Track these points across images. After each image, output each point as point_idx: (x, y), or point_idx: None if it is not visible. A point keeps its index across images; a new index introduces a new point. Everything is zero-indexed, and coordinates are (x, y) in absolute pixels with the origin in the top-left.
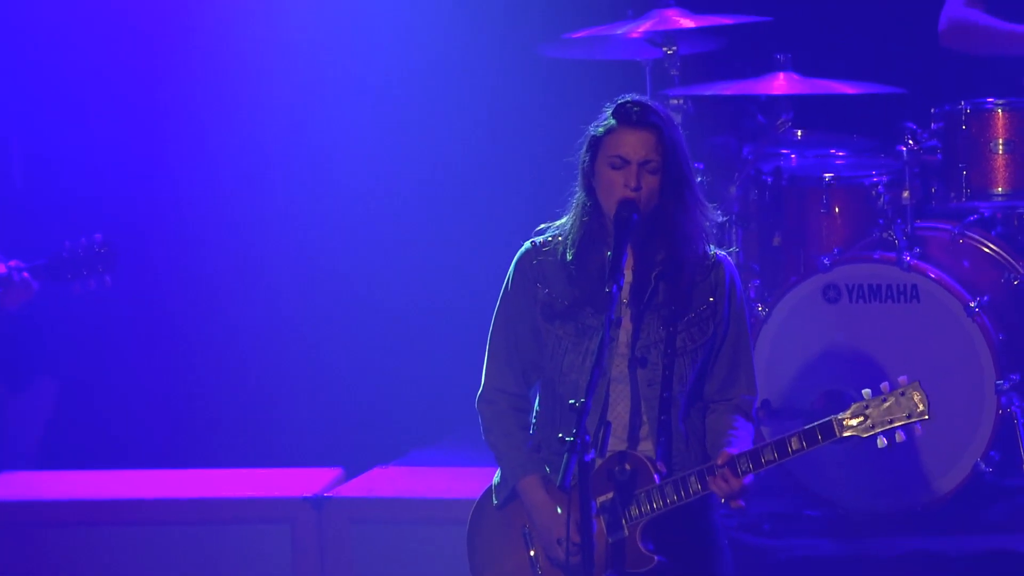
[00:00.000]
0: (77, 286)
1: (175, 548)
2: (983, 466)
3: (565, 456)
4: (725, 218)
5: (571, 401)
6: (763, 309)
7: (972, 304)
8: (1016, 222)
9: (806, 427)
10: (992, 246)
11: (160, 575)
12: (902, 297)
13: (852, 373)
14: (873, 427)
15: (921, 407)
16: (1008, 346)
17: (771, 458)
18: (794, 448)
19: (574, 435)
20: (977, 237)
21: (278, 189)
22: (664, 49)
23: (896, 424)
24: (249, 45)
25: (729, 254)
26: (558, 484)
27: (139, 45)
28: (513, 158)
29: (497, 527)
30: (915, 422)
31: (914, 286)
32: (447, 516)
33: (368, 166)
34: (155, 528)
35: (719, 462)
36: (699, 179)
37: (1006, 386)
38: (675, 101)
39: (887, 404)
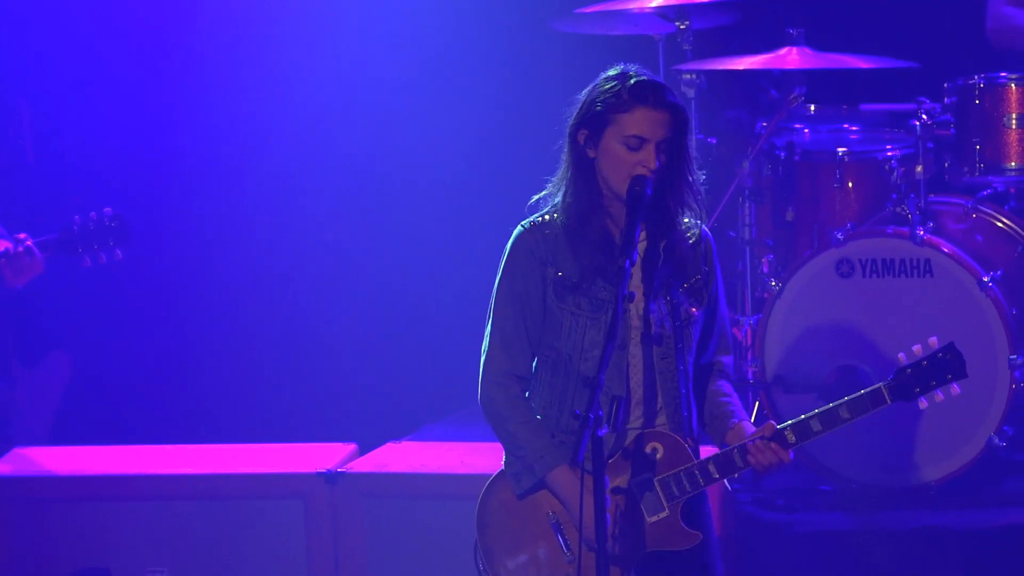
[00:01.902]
0: (88, 260)
1: (189, 523)
2: (997, 440)
3: (580, 431)
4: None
5: (587, 376)
6: (776, 284)
7: (985, 279)
8: None
9: (853, 396)
10: (1005, 220)
11: (174, 550)
12: (915, 272)
13: (865, 348)
14: (917, 392)
15: (958, 365)
16: (1022, 320)
17: (820, 429)
18: (844, 418)
19: (587, 411)
20: (990, 211)
21: (289, 166)
22: (677, 24)
23: (936, 385)
24: (259, 25)
25: (745, 228)
26: (569, 461)
27: (152, 22)
28: (525, 134)
29: (518, 516)
30: (953, 382)
31: (927, 261)
32: (460, 491)
33: (379, 143)
34: (168, 503)
35: (767, 434)
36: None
37: (1020, 360)
38: (688, 76)
39: (928, 368)
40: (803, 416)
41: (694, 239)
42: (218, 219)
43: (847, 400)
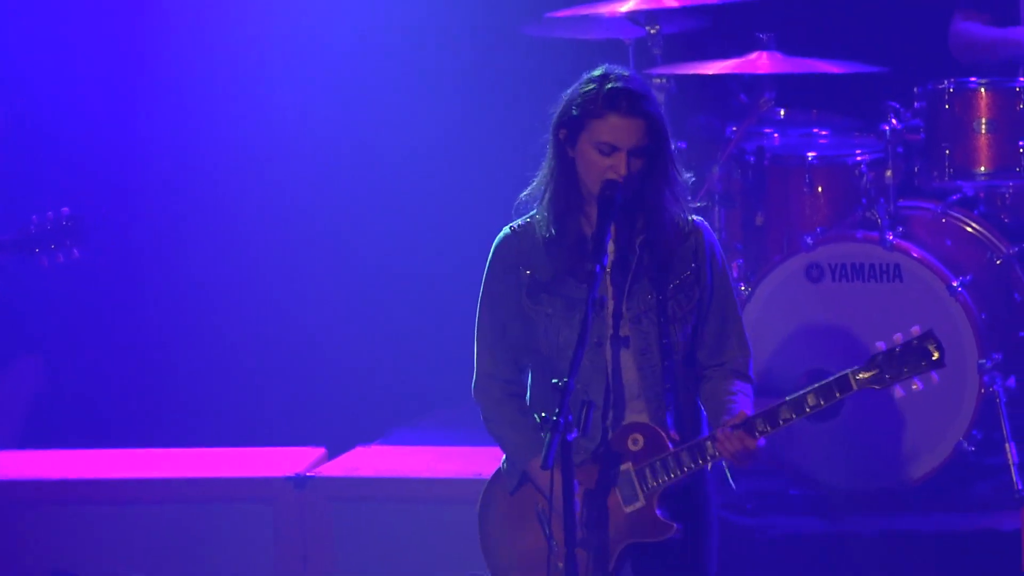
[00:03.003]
0: (46, 260)
1: (157, 527)
2: (965, 445)
3: (547, 435)
4: (702, 204)
5: (554, 381)
6: (746, 288)
7: (955, 283)
8: (999, 201)
9: (821, 383)
10: (975, 225)
11: (142, 555)
12: (885, 276)
13: (835, 352)
14: (888, 379)
15: (936, 355)
16: (990, 325)
17: (788, 416)
18: (811, 404)
19: (556, 415)
20: (960, 216)
21: (258, 165)
22: (647, 28)
23: (910, 373)
24: (232, 22)
25: (715, 232)
26: (540, 465)
27: (116, 16)
28: (495, 139)
29: (510, 512)
30: (929, 370)
31: (897, 265)
32: (429, 495)
33: (349, 146)
34: (137, 507)
35: (736, 422)
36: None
37: (988, 365)
38: (658, 80)
39: (901, 355)
40: (773, 405)
41: (685, 235)
42: (188, 224)
43: (815, 387)
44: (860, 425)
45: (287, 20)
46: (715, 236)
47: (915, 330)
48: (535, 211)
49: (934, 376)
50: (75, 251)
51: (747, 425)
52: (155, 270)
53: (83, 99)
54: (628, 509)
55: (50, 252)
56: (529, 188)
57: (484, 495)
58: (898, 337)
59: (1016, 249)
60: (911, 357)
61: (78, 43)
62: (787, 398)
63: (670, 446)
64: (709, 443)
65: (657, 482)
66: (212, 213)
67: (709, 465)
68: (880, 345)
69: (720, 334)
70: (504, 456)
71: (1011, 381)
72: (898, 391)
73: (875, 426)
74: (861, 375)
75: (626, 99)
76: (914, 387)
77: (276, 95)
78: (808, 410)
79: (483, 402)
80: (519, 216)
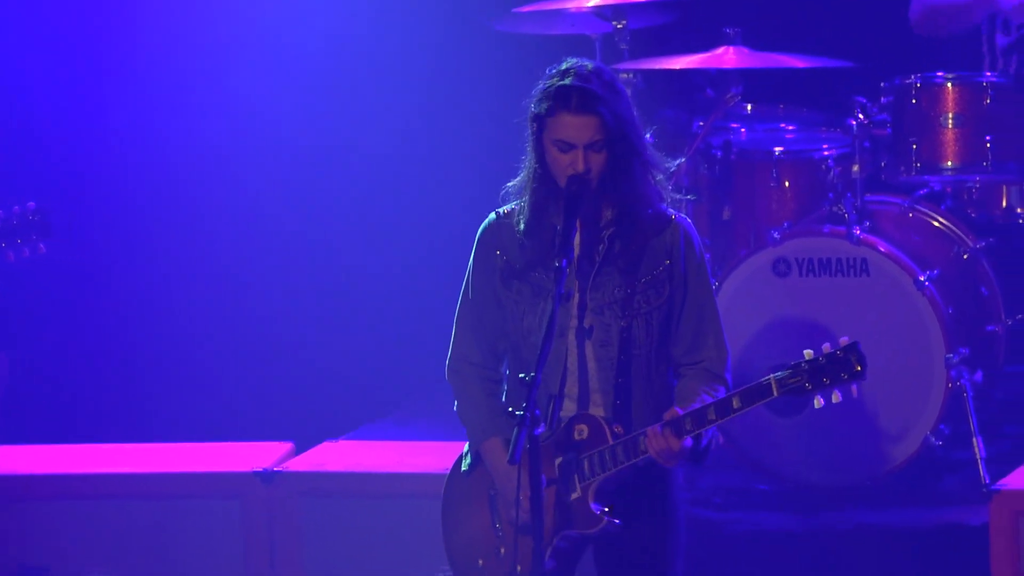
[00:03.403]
0: (11, 254)
1: (125, 523)
2: (933, 440)
3: (515, 430)
4: (684, 197)
5: (521, 375)
6: (713, 284)
7: (922, 278)
8: (966, 196)
9: (745, 387)
10: (942, 220)
11: (110, 550)
12: (852, 271)
13: (802, 347)
14: (808, 387)
15: (857, 367)
16: (957, 320)
17: (714, 418)
18: (735, 407)
19: (524, 409)
20: (927, 211)
21: (226, 159)
22: (614, 23)
23: (831, 384)
24: (198, 18)
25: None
26: (507, 459)
27: (87, 10)
28: (464, 134)
29: (465, 492)
30: (851, 383)
31: (864, 260)
32: (397, 490)
33: (317, 141)
34: (104, 503)
35: (665, 418)
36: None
37: (955, 359)
38: (625, 75)
39: (823, 364)
40: (700, 406)
41: (660, 229)
42: (154, 219)
43: (739, 391)
44: (828, 420)
45: (257, 15)
46: (695, 233)
47: (843, 340)
48: (518, 201)
49: (854, 388)
50: (41, 246)
51: (675, 424)
52: (122, 265)
53: (50, 93)
54: (569, 498)
55: (16, 247)
56: (517, 179)
57: (449, 475)
58: (826, 346)
59: (983, 243)
60: (833, 368)
61: (46, 37)
62: (714, 400)
63: (610, 440)
64: (641, 439)
65: (593, 475)
66: (179, 208)
67: (640, 459)
68: (807, 353)
69: (697, 333)
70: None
71: (978, 375)
72: (818, 400)
73: (843, 421)
74: (782, 381)
75: (576, 97)
76: (835, 399)
77: (245, 89)
78: (733, 412)
79: (454, 382)
80: (496, 208)
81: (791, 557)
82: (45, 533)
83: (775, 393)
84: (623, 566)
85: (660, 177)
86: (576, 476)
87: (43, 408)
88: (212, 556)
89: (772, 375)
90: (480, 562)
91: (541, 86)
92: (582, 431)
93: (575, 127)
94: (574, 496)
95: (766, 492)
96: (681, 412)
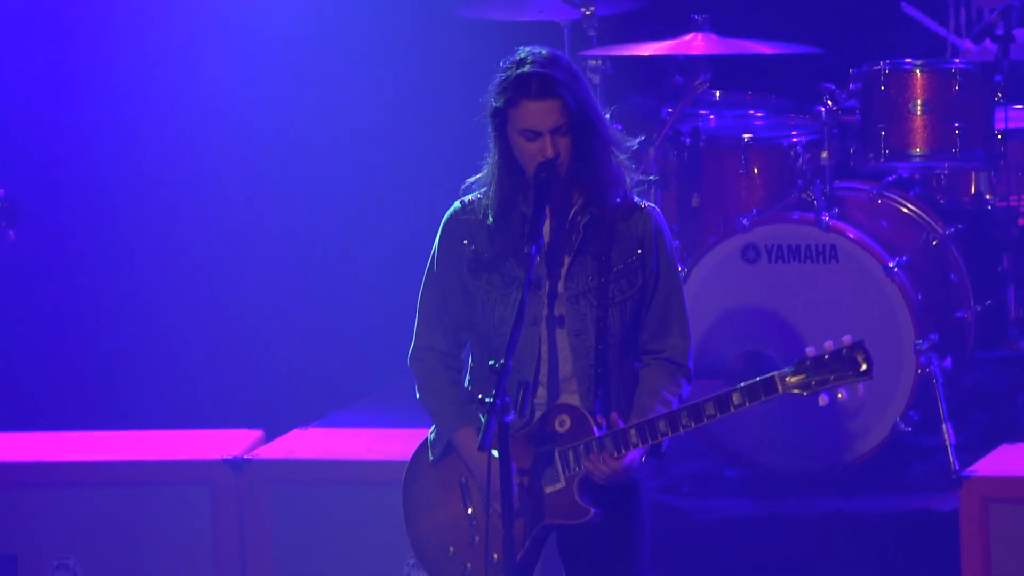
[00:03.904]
0: None
1: (95, 510)
2: (902, 426)
3: (483, 418)
4: (647, 177)
5: (491, 363)
6: (682, 270)
7: (891, 264)
8: (934, 182)
9: (748, 383)
10: (910, 206)
11: (80, 537)
12: (821, 257)
13: (771, 333)
14: (814, 385)
15: (864, 367)
16: (927, 306)
17: (712, 413)
18: (736, 403)
19: (494, 396)
20: (896, 197)
21: (196, 144)
22: (582, 10)
23: (836, 383)
24: (166, 9)
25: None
26: (477, 446)
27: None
28: (431, 120)
29: (432, 481)
30: (856, 382)
31: (833, 246)
32: (367, 477)
33: (282, 129)
34: (74, 490)
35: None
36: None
37: (925, 346)
38: (593, 62)
39: (829, 362)
40: (697, 401)
41: (630, 217)
42: (123, 205)
43: (742, 386)
44: (797, 406)
45: (227, 6)
46: (664, 222)
47: (847, 339)
48: (485, 188)
49: (860, 387)
50: (10, 233)
51: (645, 429)
52: (91, 252)
53: (20, 80)
54: (548, 490)
55: None
56: (480, 174)
57: (410, 464)
58: (829, 344)
59: (952, 230)
60: (839, 366)
61: (22, 25)
62: (712, 396)
63: (596, 431)
64: (633, 431)
65: (579, 466)
66: (150, 198)
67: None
68: (810, 351)
69: (662, 321)
70: (432, 426)
71: (948, 362)
72: (823, 399)
73: (812, 407)
74: (789, 379)
75: (536, 83)
76: (840, 396)
77: (213, 78)
78: (733, 408)
79: (417, 371)
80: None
81: (761, 544)
82: (13, 521)
83: (780, 390)
84: (589, 554)
85: (622, 157)
86: (560, 467)
87: (11, 396)
88: (182, 543)
89: (776, 372)
90: (451, 550)
91: (498, 79)
92: (564, 422)
93: (539, 113)
94: (557, 487)
95: (735, 479)
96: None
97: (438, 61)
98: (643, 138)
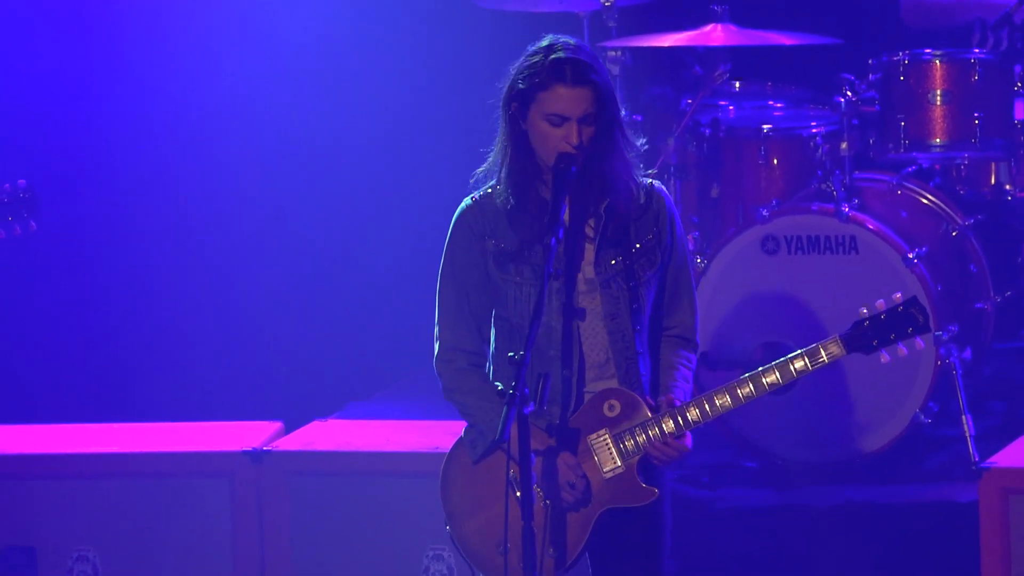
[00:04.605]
0: (2, 232)
1: (114, 502)
2: (922, 417)
3: (504, 409)
4: (654, 170)
5: (510, 354)
6: (702, 261)
7: (910, 255)
8: (954, 173)
9: (808, 347)
10: (930, 197)
11: (99, 529)
12: (840, 248)
13: (791, 324)
14: (876, 343)
15: (921, 319)
16: (946, 297)
17: (775, 380)
18: (798, 369)
19: (513, 388)
20: (915, 188)
21: (209, 142)
22: (602, 1)
23: (896, 339)
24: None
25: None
26: (496, 436)
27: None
28: (448, 112)
29: (474, 480)
30: (915, 336)
31: (852, 237)
32: (386, 469)
33: (298, 122)
34: (94, 482)
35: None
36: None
37: (944, 337)
38: (613, 53)
39: (887, 320)
40: (749, 374)
41: (645, 200)
42: (136, 193)
43: (803, 351)
44: (816, 397)
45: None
46: (673, 201)
47: (897, 296)
48: (493, 182)
49: (919, 342)
50: (32, 223)
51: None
52: (111, 247)
53: (44, 77)
54: (608, 475)
55: (7, 224)
56: (485, 165)
57: (445, 467)
58: (881, 303)
59: (971, 221)
60: (897, 322)
61: (40, 21)
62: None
63: (647, 413)
64: (694, 408)
65: (639, 449)
66: (167, 192)
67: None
68: (863, 311)
69: (673, 295)
70: (465, 427)
71: (967, 353)
72: (884, 356)
73: (831, 398)
74: (848, 339)
75: (571, 68)
76: (900, 352)
77: (226, 75)
78: (795, 374)
79: (447, 373)
80: (474, 190)
81: (779, 534)
82: (32, 512)
83: (843, 351)
84: (613, 542)
85: (632, 154)
86: (616, 451)
87: (31, 388)
88: (201, 535)
89: (837, 335)
90: (503, 546)
91: (524, 63)
92: (613, 406)
93: (570, 99)
94: (617, 471)
95: (754, 469)
96: (685, 395)
97: (456, 52)
98: (645, 140)
